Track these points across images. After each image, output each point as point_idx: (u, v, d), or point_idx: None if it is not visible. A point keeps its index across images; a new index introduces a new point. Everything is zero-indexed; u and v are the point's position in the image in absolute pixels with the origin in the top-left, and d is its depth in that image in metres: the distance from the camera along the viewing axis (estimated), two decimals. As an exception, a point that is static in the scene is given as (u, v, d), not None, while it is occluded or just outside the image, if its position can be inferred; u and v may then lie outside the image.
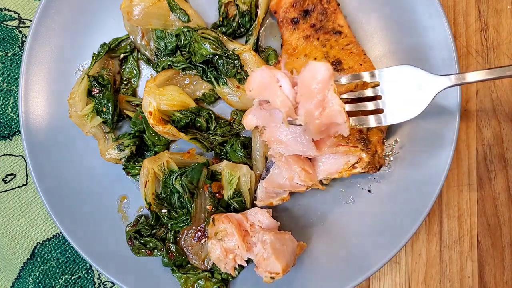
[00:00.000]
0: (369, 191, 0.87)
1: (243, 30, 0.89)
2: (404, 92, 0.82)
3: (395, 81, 0.82)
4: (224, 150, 0.88)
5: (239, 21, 0.88)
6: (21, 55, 0.92)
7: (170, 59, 0.87)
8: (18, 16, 0.97)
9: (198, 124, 0.87)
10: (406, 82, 0.81)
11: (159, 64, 0.88)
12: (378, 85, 0.84)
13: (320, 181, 0.84)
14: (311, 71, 0.71)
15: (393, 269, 0.93)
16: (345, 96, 0.84)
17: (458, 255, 0.93)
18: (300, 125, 0.73)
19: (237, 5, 0.87)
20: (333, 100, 0.70)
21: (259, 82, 0.73)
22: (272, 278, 0.77)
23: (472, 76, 0.76)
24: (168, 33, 0.86)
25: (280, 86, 0.72)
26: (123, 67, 0.91)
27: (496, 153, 0.94)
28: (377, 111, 0.82)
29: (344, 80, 0.83)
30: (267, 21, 0.90)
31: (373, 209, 0.86)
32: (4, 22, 0.96)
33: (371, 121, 0.82)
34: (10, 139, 0.96)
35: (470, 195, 0.94)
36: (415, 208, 0.83)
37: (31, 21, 0.91)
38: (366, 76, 0.83)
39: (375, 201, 0.86)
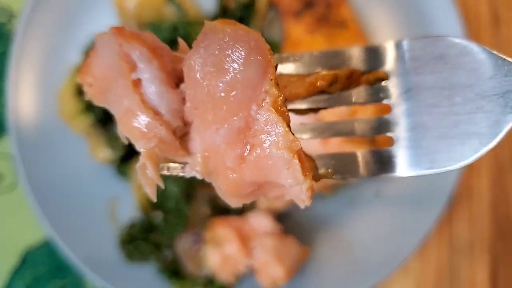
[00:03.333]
0: (377, 194, 0.85)
1: (244, 23, 0.86)
2: (447, 102, 0.36)
3: (426, 73, 0.37)
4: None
5: (240, 14, 0.86)
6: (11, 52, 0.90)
7: (166, 53, 0.85)
8: (9, 12, 0.95)
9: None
10: (452, 79, 0.36)
11: (154, 59, 0.86)
12: (384, 79, 0.38)
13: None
14: (210, 47, 0.31)
15: (401, 275, 0.90)
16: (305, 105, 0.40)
17: (469, 260, 0.91)
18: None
19: (237, -3, 0.85)
20: (272, 134, 0.31)
21: (104, 71, 0.34)
22: (274, 283, 0.75)
23: None
24: (163, 26, 0.84)
25: (139, 80, 0.33)
26: (117, 62, 0.89)
27: (509, 154, 0.91)
28: (382, 142, 0.43)
29: (300, 66, 0.39)
30: (269, 14, 0.88)
31: (381, 213, 0.84)
32: (-7, 18, 0.94)
33: (365, 167, 0.38)
34: None
35: (482, 198, 0.91)
36: (425, 212, 0.81)
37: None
38: (358, 56, 0.39)
39: (382, 205, 0.84)
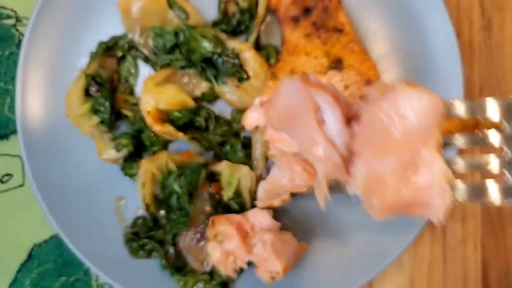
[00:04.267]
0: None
1: (243, 28, 0.88)
2: None
3: None
4: (224, 150, 0.87)
5: (239, 19, 0.87)
6: (18, 54, 0.91)
7: (169, 57, 0.86)
8: (15, 14, 0.96)
9: (197, 124, 0.86)
10: None
11: (158, 62, 0.87)
12: (499, 126, 0.50)
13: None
14: (397, 102, 0.40)
15: (395, 270, 0.92)
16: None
17: (462, 257, 0.92)
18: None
19: (237, 3, 0.86)
20: (434, 167, 0.41)
21: (287, 107, 0.44)
22: (272, 278, 0.75)
23: None
24: (166, 31, 0.85)
25: (323, 120, 0.43)
26: (121, 65, 0.90)
27: (500, 153, 0.93)
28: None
29: (462, 110, 0.48)
30: (267, 19, 0.89)
31: (376, 210, 0.84)
32: (1, 21, 0.95)
33: (495, 196, 0.48)
34: (7, 139, 0.94)
35: (474, 195, 0.92)
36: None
37: (28, 19, 0.90)
38: (488, 108, 0.49)
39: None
